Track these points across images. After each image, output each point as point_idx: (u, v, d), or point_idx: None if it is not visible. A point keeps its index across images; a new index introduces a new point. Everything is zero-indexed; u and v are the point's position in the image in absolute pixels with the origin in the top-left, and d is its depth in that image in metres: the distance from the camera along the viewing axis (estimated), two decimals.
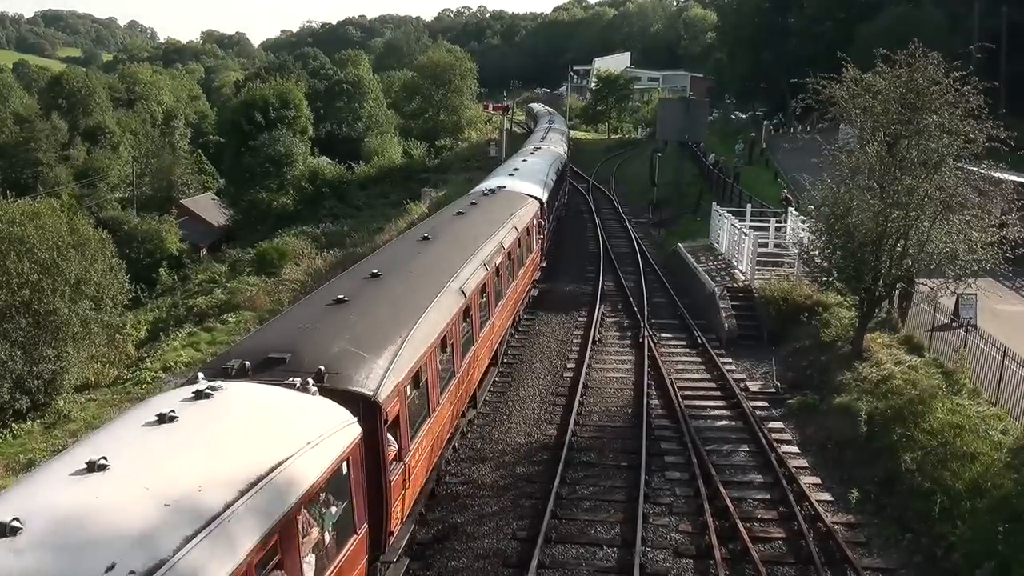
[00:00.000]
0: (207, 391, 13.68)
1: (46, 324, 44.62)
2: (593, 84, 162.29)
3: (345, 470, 14.19)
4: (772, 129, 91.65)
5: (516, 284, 33.70)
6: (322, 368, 15.55)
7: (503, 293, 30.58)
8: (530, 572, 19.16)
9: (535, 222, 39.42)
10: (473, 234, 29.55)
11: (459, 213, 33.78)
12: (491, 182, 44.01)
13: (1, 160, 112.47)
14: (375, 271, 22.23)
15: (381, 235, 66.99)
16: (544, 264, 45.32)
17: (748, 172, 70.50)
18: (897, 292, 30.72)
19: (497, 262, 28.95)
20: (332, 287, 21.71)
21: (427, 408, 19.75)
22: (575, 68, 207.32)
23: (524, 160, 55.09)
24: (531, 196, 41.01)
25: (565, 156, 71.68)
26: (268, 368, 15.68)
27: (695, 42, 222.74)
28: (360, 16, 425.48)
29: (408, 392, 17.86)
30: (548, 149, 65.62)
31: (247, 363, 15.66)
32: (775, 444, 26.04)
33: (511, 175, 46.02)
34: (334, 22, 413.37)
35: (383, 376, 16.40)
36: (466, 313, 24.08)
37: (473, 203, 36.51)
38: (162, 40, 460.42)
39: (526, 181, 44.39)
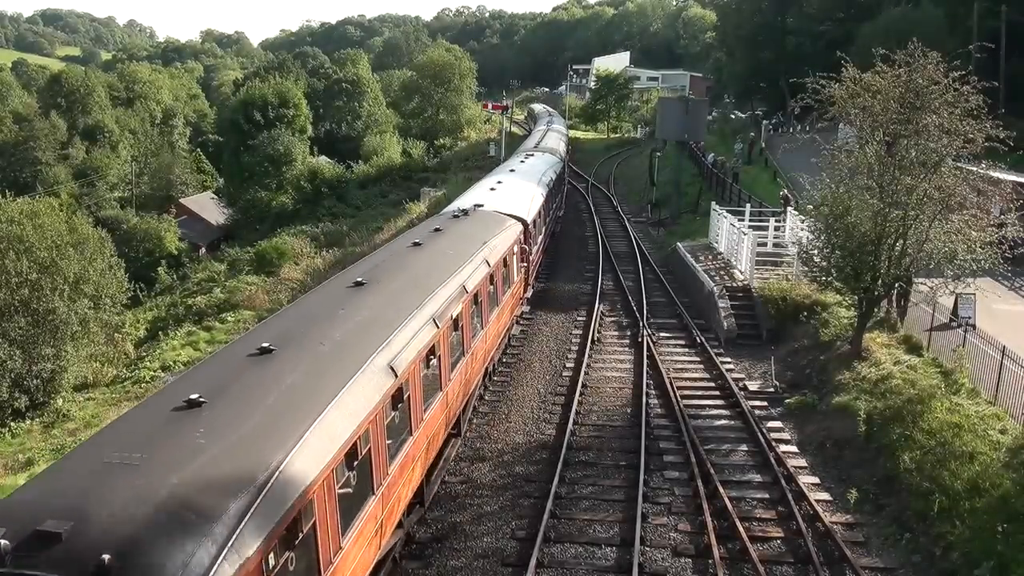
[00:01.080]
0: None
1: (45, 323, 44.69)
2: (592, 83, 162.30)
3: None
4: (771, 129, 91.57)
5: (486, 333, 27.38)
6: (107, 559, 9.61)
7: (465, 350, 24.24)
8: (529, 571, 19.15)
9: (516, 248, 33.72)
10: (426, 276, 22.96)
11: (415, 244, 26.68)
12: (467, 199, 38.55)
13: (0, 159, 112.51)
14: (266, 344, 15.87)
15: (380, 234, 66.97)
16: (529, 294, 40.26)
17: (747, 172, 70.50)
18: (895, 292, 30.73)
19: (455, 313, 22.62)
20: (195, 375, 15.72)
21: None
22: (574, 67, 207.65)
23: (512, 170, 49.41)
24: (513, 217, 34.86)
25: (563, 159, 68.63)
26: (33, 550, 9.93)
27: (694, 41, 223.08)
28: (359, 15, 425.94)
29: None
30: (543, 153, 61.71)
31: (5, 543, 9.87)
32: (774, 444, 26.03)
33: (493, 189, 40.48)
34: (333, 21, 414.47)
35: (216, 562, 10.23)
36: (398, 396, 17.51)
37: (436, 229, 29.48)
38: (161, 39, 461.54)
39: (509, 197, 38.88)
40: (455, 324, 23.04)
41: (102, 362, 50.55)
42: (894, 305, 31.98)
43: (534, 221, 39.24)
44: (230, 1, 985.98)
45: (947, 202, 26.89)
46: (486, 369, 29.24)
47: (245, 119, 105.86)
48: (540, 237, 43.23)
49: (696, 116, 69.39)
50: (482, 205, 35.50)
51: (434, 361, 20.66)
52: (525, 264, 36.48)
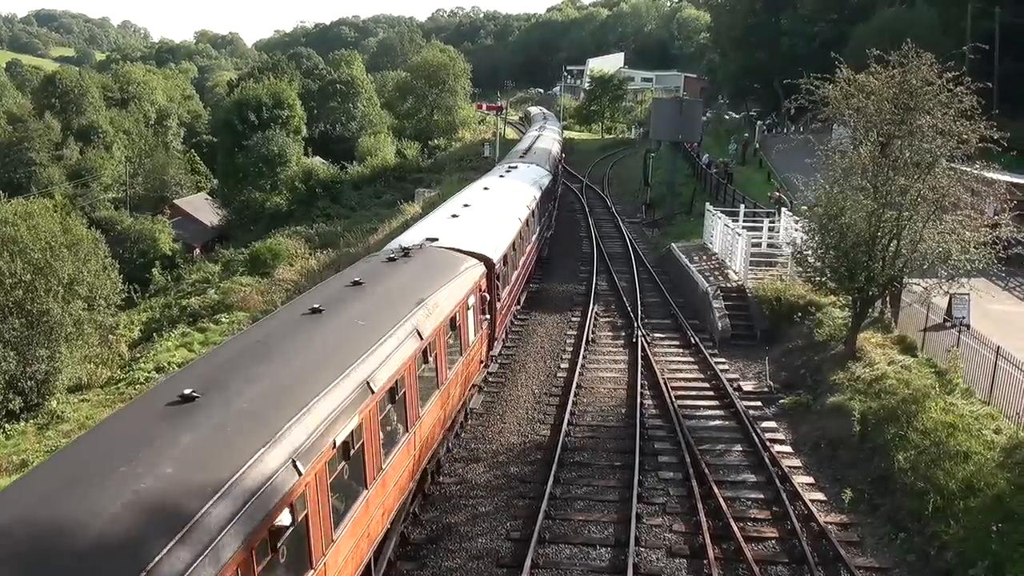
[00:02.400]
0: None
1: (39, 324, 44.63)
2: (587, 84, 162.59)
3: None
4: (765, 129, 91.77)
5: (410, 441, 19.47)
6: None
7: (368, 482, 16.59)
8: (524, 572, 19.14)
9: (475, 300, 26.45)
10: (302, 378, 15.52)
11: (313, 311, 19.07)
12: (418, 230, 31.35)
13: None
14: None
15: (375, 235, 66.91)
16: (497, 351, 32.87)
17: (741, 172, 70.64)
18: (888, 292, 30.77)
19: (346, 432, 15.03)
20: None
21: None
22: (569, 68, 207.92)
23: (486, 188, 42.23)
24: (473, 255, 27.77)
25: (553, 170, 61.99)
26: None
27: (689, 42, 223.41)
28: (354, 16, 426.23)
29: None
30: (529, 166, 53.92)
31: None
32: (768, 444, 26.04)
33: (455, 216, 33.42)
34: (327, 22, 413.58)
35: None
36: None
37: (356, 283, 21.90)
38: (155, 40, 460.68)
39: (473, 228, 31.79)
40: (346, 451, 15.24)
41: (96, 363, 50.45)
42: (888, 306, 32.01)
43: (504, 258, 31.90)
44: (224, 2, 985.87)
45: (941, 202, 26.93)
46: (423, 475, 21.70)
47: (239, 120, 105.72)
48: (516, 274, 35.92)
49: (690, 117, 69.57)
50: (435, 239, 28.50)
51: (301, 517, 13.18)
52: (489, 316, 28.87)
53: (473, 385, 27.71)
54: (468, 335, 25.70)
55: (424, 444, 20.83)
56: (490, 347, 30.19)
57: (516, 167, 52.26)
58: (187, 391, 13.57)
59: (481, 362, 28.63)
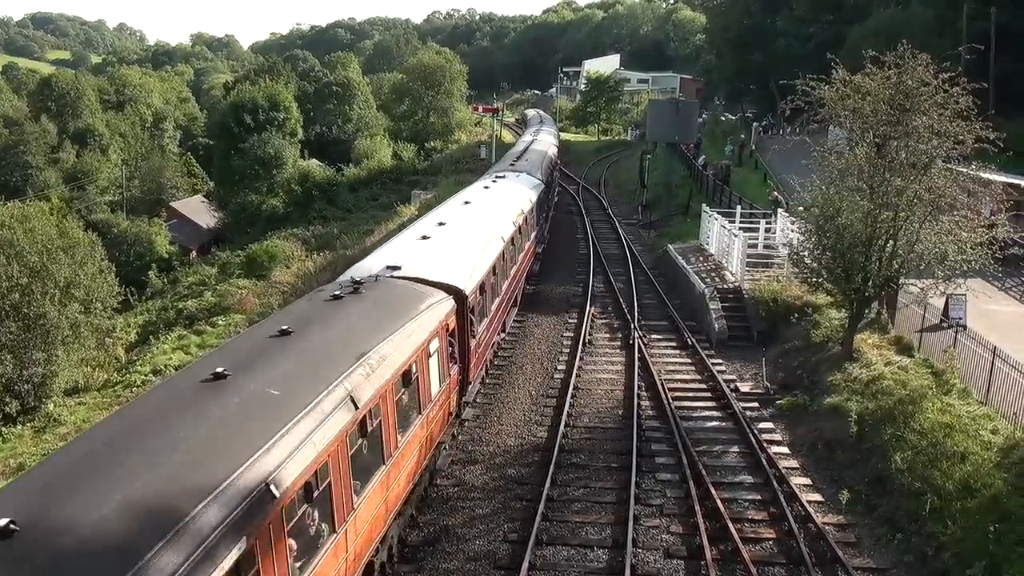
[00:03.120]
0: None
1: (36, 327, 44.55)
2: (583, 86, 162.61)
3: None
4: (762, 130, 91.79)
5: (352, 524, 16.00)
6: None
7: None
8: (521, 574, 19.16)
9: (440, 344, 22.58)
10: (189, 471, 12.10)
11: (215, 377, 14.94)
12: (380, 256, 27.48)
13: None
14: None
15: (371, 237, 66.88)
16: (474, 395, 29.02)
17: (737, 173, 70.59)
18: (884, 293, 30.79)
19: (235, 555, 11.37)
20: None
21: None
22: (565, 70, 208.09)
23: (466, 203, 38.21)
24: (441, 287, 24.02)
25: (545, 178, 57.46)
26: None
27: (684, 44, 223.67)
28: (349, 18, 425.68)
29: None
30: (519, 174, 50.73)
31: None
32: (765, 445, 26.05)
33: (425, 238, 29.31)
34: (323, 24, 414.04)
35: None
36: None
37: (284, 332, 17.81)
38: (151, 42, 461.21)
39: (444, 252, 27.93)
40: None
41: (93, 366, 50.39)
42: (885, 306, 32.02)
43: (481, 286, 27.94)
44: (220, 4, 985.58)
45: (937, 203, 26.94)
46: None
47: (235, 122, 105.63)
48: (497, 302, 31.76)
49: (686, 118, 69.73)
50: (397, 268, 24.84)
51: None
52: (459, 364, 24.99)
53: (440, 443, 23.79)
54: (430, 388, 21.59)
55: (360, 543, 16.58)
56: (462, 393, 26.02)
57: (504, 176, 48.89)
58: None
59: (450, 414, 24.49)
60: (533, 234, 44.78)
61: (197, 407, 13.81)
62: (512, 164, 57.78)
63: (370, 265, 25.80)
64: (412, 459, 20.14)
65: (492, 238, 31.87)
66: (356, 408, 16.01)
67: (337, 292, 21.39)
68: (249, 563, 11.77)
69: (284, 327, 17.88)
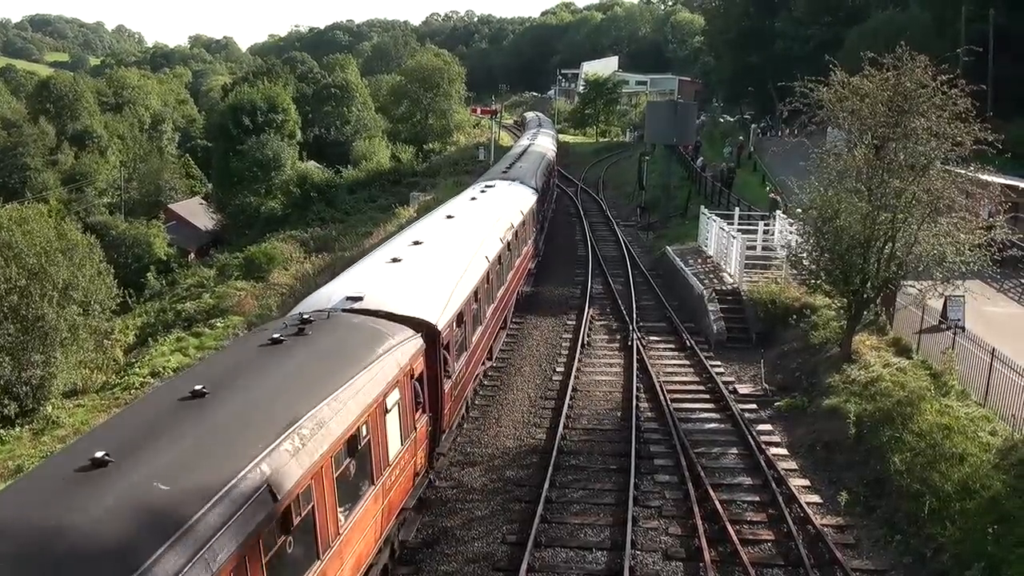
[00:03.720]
0: None
1: (34, 329, 44.49)
2: (581, 87, 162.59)
3: None
4: (760, 132, 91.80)
5: None
6: None
7: None
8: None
9: (404, 392, 18.97)
10: None
11: (93, 464, 11.51)
12: (341, 284, 23.94)
13: None
14: None
15: (369, 239, 66.86)
16: (448, 445, 24.96)
17: (736, 175, 70.54)
18: (883, 294, 30.78)
19: None
20: None
21: None
22: (563, 71, 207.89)
23: (448, 217, 34.93)
24: (408, 322, 20.57)
25: (544, 182, 55.77)
26: None
27: (683, 45, 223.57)
28: (348, 20, 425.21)
29: None
30: (515, 179, 48.31)
31: None
32: (764, 446, 26.07)
33: (395, 261, 25.85)
34: (322, 26, 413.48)
35: None
36: None
37: (195, 396, 14.22)
38: (150, 44, 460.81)
39: (418, 278, 24.37)
40: None
41: (91, 368, 50.29)
42: (884, 308, 32.02)
43: (459, 317, 24.52)
44: (219, 6, 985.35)
45: (936, 205, 26.97)
46: None
47: (234, 124, 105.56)
48: (479, 332, 28.25)
49: (685, 120, 69.61)
50: (358, 299, 21.41)
51: None
52: (429, 413, 21.18)
53: (404, 509, 19.75)
54: (387, 451, 17.84)
55: None
56: (434, 445, 22.37)
57: (493, 186, 45.02)
58: None
59: (417, 473, 20.77)
60: (525, 249, 41.31)
61: (57, 514, 10.42)
62: (505, 171, 53.79)
63: (328, 295, 22.44)
64: (360, 544, 16.23)
65: (475, 258, 28.43)
66: (276, 500, 12.43)
67: (276, 335, 17.31)
68: None
69: (198, 387, 14.20)
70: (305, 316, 18.75)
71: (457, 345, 24.29)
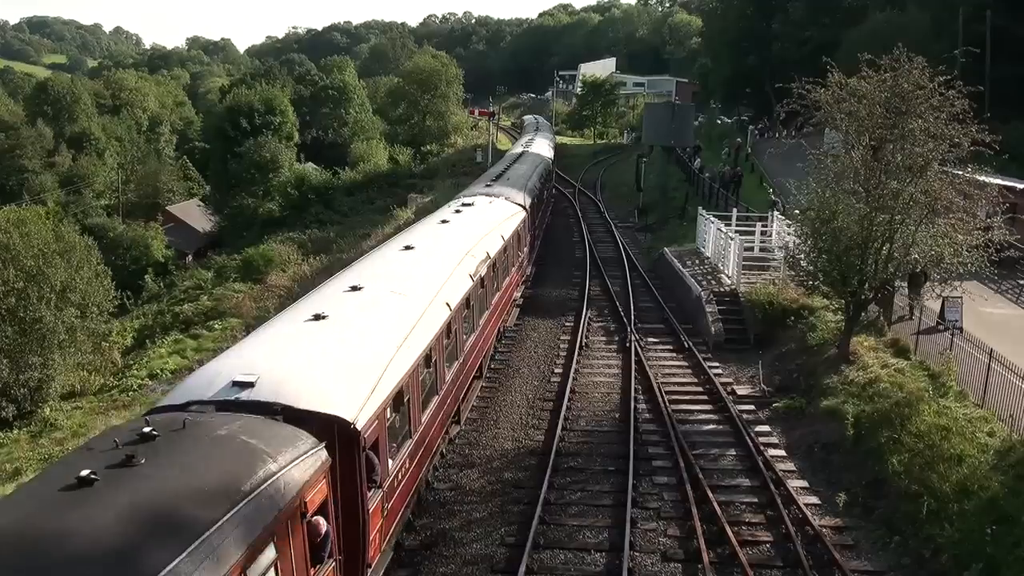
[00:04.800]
0: None
1: (32, 332, 44.53)
2: (579, 89, 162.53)
3: None
4: (758, 134, 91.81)
5: None
6: None
7: None
8: None
9: (286, 548, 12.36)
10: None
11: None
12: (229, 360, 17.25)
13: None
14: None
15: (367, 241, 66.85)
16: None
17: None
18: (880, 296, 30.79)
19: None
20: None
21: None
22: (561, 73, 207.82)
23: (406, 248, 28.09)
24: (313, 420, 14.80)
25: (537, 192, 50.74)
26: None
27: (680, 47, 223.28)
28: (345, 22, 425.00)
29: None
30: (500, 194, 42.39)
31: None
32: (762, 448, 26.05)
33: (317, 320, 19.04)
34: (319, 28, 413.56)
35: None
36: None
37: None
38: (147, 46, 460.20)
39: (343, 347, 18.08)
40: None
41: (89, 371, 50.28)
42: (882, 309, 32.03)
43: (397, 398, 18.31)
44: (216, 8, 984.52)
45: (933, 206, 26.99)
46: None
47: (231, 126, 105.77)
48: (432, 408, 21.73)
49: (682, 121, 69.59)
50: (249, 385, 15.33)
51: None
52: (338, 558, 14.78)
53: None
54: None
55: None
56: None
57: (472, 204, 38.86)
58: None
59: None
60: (508, 280, 35.82)
61: None
62: (489, 184, 46.98)
63: (211, 376, 16.05)
64: None
65: (433, 307, 22.53)
66: None
67: (87, 472, 11.03)
68: None
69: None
70: (147, 430, 12.43)
71: (394, 436, 18.36)
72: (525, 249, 42.43)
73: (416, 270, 25.39)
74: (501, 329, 35.63)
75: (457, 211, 36.95)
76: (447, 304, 23.67)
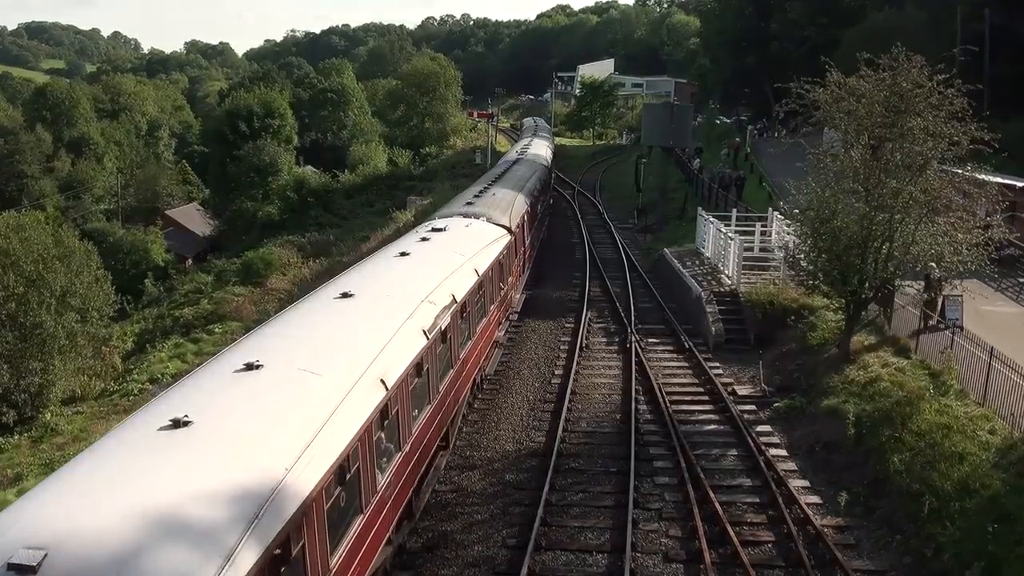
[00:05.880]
0: None
1: (32, 337, 44.57)
2: (578, 90, 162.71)
3: None
4: (756, 133, 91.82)
5: None
6: None
7: None
8: None
9: None
10: None
11: None
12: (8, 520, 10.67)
13: None
14: None
15: (367, 244, 66.87)
16: None
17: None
18: (880, 295, 30.76)
19: None
20: None
21: None
22: (559, 74, 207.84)
23: (344, 296, 21.16)
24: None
25: (529, 207, 44.55)
26: None
27: (679, 48, 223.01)
28: (344, 25, 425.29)
29: None
30: (480, 214, 36.15)
31: None
32: (763, 447, 26.04)
33: (176, 427, 12.71)
34: (318, 31, 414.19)
35: None
36: None
37: None
38: (146, 51, 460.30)
39: (196, 488, 11.32)
40: None
41: (90, 375, 50.36)
42: (882, 308, 32.00)
43: (287, 554, 11.99)
44: (214, 12, 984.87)
45: (933, 205, 26.98)
46: None
47: (230, 130, 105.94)
48: (350, 538, 14.95)
49: (681, 122, 69.47)
50: (29, 571, 9.37)
51: None
52: None
53: None
54: None
55: None
56: None
57: (444, 228, 32.41)
58: None
59: None
60: (485, 322, 29.67)
61: None
62: (469, 202, 39.93)
63: None
64: None
65: (358, 392, 16.03)
66: None
67: None
68: None
69: None
70: None
71: None
72: (510, 279, 36.30)
73: (346, 332, 18.97)
74: (479, 378, 30.06)
75: (423, 239, 30.22)
76: (382, 382, 17.01)
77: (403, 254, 27.18)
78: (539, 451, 26.57)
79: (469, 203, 39.56)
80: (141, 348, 57.87)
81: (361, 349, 17.83)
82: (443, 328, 22.70)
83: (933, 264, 27.81)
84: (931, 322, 29.42)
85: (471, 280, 27.02)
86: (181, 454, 12.21)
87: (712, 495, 22.74)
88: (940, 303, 29.47)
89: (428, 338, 20.92)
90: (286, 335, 18.57)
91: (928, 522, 20.23)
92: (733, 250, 41.09)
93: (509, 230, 36.03)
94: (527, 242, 43.37)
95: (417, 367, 20.00)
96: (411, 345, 19.80)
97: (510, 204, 40.68)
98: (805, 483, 24.13)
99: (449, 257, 27.65)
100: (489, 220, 35.64)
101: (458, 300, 24.61)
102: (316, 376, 15.87)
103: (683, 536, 21.24)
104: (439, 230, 31.77)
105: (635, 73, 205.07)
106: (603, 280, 48.42)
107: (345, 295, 21.27)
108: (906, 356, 28.72)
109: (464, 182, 72.09)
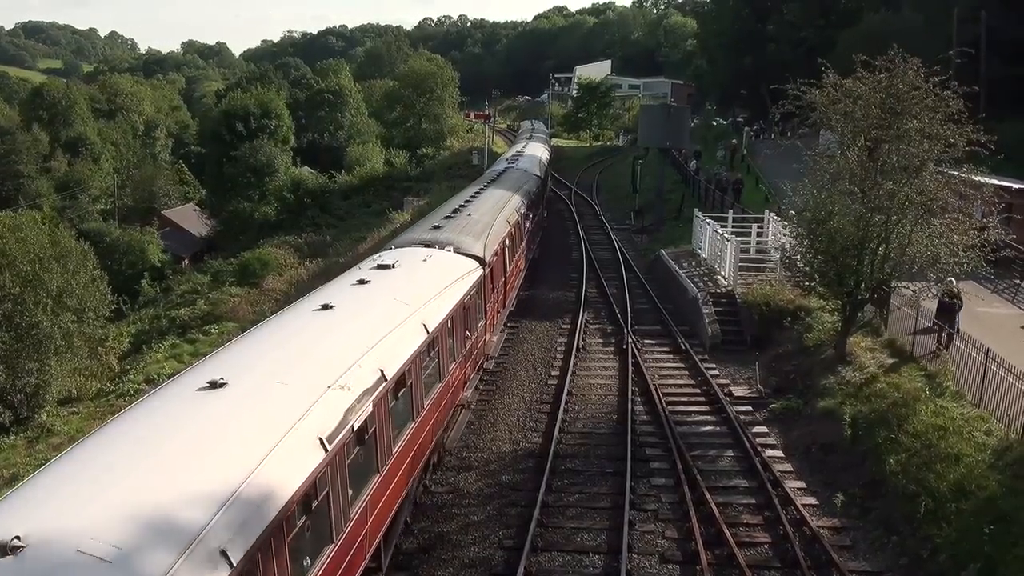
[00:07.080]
0: None
1: (28, 337, 44.47)
2: (574, 92, 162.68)
3: None
4: (753, 135, 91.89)
5: None
6: None
7: None
8: None
9: None
10: None
11: None
12: None
13: None
14: None
15: (364, 244, 66.83)
16: None
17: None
18: (876, 296, 30.78)
19: None
20: None
21: None
22: (556, 76, 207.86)
23: (215, 388, 14.28)
24: None
25: (515, 228, 39.34)
26: None
27: (676, 49, 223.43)
28: (341, 26, 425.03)
29: None
30: (450, 242, 30.16)
31: None
32: (760, 449, 26.06)
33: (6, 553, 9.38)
34: (315, 32, 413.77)
35: None
36: None
37: None
38: (143, 51, 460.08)
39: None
40: None
41: (86, 376, 50.26)
42: (878, 309, 32.02)
43: None
44: (212, 12, 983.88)
45: (929, 206, 27.01)
46: None
47: (227, 130, 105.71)
48: None
49: (678, 123, 69.49)
50: None
51: None
52: None
53: None
54: None
55: None
56: None
57: (394, 264, 25.39)
58: None
59: None
60: (439, 390, 23.11)
61: None
62: (437, 226, 33.40)
63: None
64: None
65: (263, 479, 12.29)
66: None
67: None
68: None
69: None
70: None
71: None
72: (482, 322, 30.42)
73: (190, 458, 12.42)
74: (436, 459, 24.75)
75: (361, 281, 23.23)
76: (224, 555, 10.89)
77: (325, 307, 20.21)
78: (535, 452, 26.59)
79: (436, 227, 33.12)
80: (137, 349, 57.80)
81: (198, 501, 11.30)
82: (360, 424, 16.09)
83: (952, 279, 27.74)
84: (946, 337, 28.13)
85: (416, 341, 20.62)
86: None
87: (708, 496, 22.77)
88: (957, 318, 28.87)
89: (328, 449, 14.30)
90: (149, 432, 13.16)
91: (924, 523, 20.26)
92: (730, 251, 41.11)
93: (483, 261, 30.18)
94: (508, 271, 37.01)
95: (304, 501, 13.44)
96: (295, 468, 13.29)
97: (487, 227, 34.14)
98: (801, 484, 24.15)
99: (388, 309, 21.11)
100: (457, 249, 29.76)
101: (389, 376, 18.05)
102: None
103: (679, 537, 21.27)
104: (385, 267, 25.13)
105: (632, 74, 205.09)
106: (600, 281, 48.41)
107: (213, 384, 14.54)
108: (902, 357, 28.70)
109: (461, 183, 72.01)
